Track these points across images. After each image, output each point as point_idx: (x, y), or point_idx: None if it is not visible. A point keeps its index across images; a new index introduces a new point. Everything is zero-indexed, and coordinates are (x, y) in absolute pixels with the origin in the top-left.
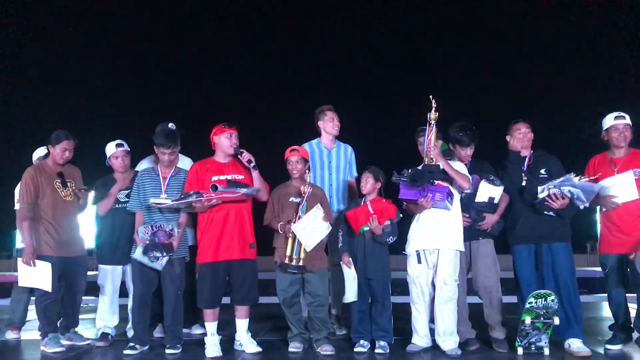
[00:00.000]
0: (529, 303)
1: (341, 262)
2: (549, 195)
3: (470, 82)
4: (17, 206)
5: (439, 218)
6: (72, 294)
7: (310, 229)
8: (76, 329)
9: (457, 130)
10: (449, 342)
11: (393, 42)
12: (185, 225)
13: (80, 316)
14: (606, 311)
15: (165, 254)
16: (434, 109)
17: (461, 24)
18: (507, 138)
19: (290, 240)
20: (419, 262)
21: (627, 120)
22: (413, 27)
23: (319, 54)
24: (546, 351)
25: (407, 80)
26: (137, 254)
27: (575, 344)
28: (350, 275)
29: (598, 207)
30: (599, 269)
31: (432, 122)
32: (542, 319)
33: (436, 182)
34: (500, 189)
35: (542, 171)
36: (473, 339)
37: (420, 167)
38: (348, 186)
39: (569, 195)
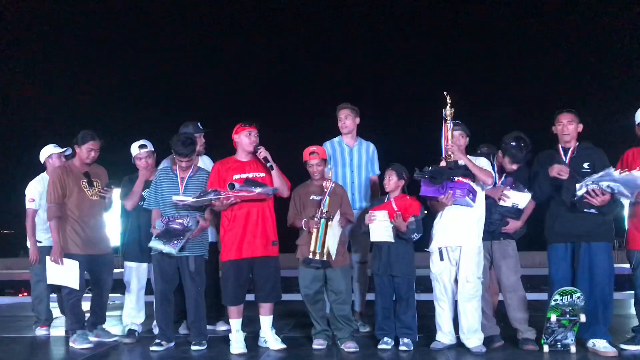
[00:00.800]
0: (554, 300)
1: (367, 221)
2: (587, 192)
3: (504, 73)
4: (27, 205)
5: (461, 215)
6: (98, 291)
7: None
8: (103, 326)
9: (512, 142)
10: (473, 339)
11: (418, 36)
12: (210, 221)
13: (107, 313)
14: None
15: (178, 239)
16: (448, 105)
17: (490, 16)
18: (552, 129)
19: (313, 235)
20: (441, 259)
21: None
22: (441, 18)
23: (342, 51)
24: (572, 349)
25: (431, 75)
26: (152, 241)
27: (600, 344)
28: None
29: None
30: (627, 265)
31: (448, 118)
32: (567, 316)
33: (456, 178)
34: (526, 195)
35: (586, 165)
36: (498, 336)
37: (441, 165)
38: (370, 184)
39: (608, 190)
